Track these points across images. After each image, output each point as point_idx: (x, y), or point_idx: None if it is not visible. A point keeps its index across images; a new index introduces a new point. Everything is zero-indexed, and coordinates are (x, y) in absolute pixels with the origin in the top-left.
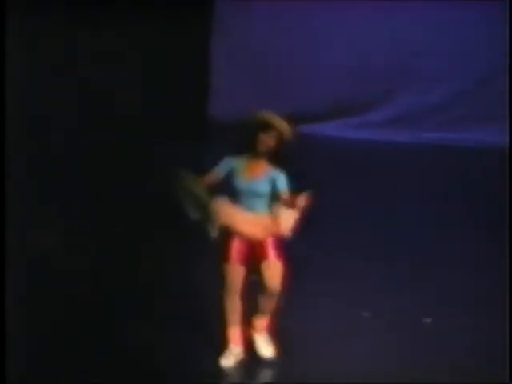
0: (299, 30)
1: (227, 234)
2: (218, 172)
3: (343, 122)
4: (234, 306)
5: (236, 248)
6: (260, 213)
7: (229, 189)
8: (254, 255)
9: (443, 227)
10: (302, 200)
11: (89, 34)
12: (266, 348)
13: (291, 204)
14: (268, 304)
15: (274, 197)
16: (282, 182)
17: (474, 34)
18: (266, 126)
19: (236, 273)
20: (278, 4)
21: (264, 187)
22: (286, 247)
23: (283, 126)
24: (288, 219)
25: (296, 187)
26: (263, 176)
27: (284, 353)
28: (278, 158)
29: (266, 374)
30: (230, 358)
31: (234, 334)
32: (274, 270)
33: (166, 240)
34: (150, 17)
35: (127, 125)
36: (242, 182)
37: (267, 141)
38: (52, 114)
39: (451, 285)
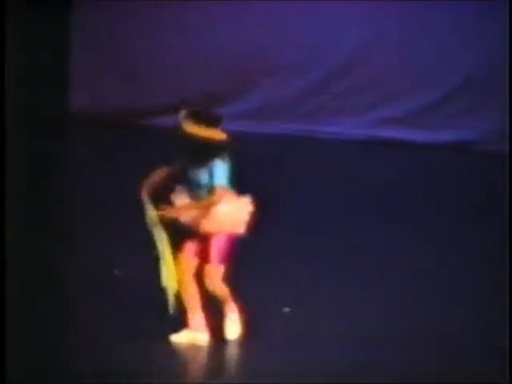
0: (164, 23)
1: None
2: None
3: None
4: (190, 293)
5: (188, 241)
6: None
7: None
8: (204, 251)
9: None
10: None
11: None
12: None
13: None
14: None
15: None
16: (218, 173)
17: (333, 25)
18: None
19: (187, 263)
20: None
21: (204, 178)
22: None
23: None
24: (224, 214)
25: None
26: (205, 167)
27: None
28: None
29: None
30: (182, 336)
31: (196, 320)
32: (214, 276)
33: None
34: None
35: None
36: (192, 172)
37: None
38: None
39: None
